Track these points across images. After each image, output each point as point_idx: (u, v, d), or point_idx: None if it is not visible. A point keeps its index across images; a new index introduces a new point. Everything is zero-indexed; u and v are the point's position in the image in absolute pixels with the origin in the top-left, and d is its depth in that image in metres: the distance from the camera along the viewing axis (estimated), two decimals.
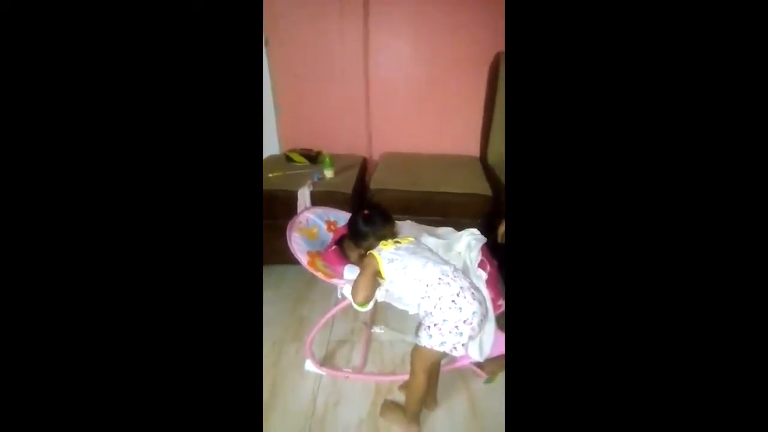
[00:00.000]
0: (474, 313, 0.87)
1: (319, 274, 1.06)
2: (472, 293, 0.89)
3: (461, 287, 0.88)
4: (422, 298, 0.90)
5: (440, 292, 0.88)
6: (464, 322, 0.87)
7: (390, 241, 1.00)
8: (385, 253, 0.96)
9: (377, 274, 0.95)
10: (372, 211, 1.06)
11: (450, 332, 0.87)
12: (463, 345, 0.89)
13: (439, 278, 0.89)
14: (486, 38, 1.91)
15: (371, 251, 0.99)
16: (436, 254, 1.00)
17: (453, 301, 0.87)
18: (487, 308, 0.93)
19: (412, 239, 1.03)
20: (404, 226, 1.19)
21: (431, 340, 0.88)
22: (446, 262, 0.96)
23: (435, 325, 0.88)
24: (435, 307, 0.88)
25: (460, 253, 1.11)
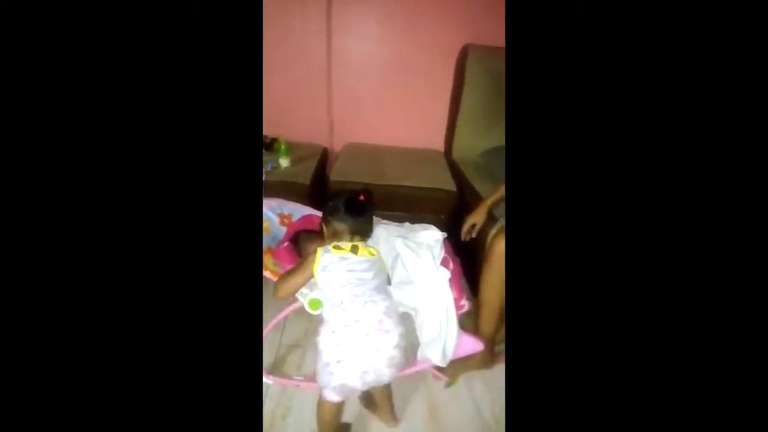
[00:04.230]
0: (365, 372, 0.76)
1: (267, 273, 0.95)
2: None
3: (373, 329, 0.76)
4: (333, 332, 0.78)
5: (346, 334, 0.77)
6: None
7: (347, 244, 0.88)
8: (326, 257, 0.85)
9: (311, 274, 0.86)
10: (367, 198, 0.93)
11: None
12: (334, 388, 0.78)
13: (341, 302, 0.79)
14: (454, 28, 1.85)
15: (319, 248, 0.87)
16: (384, 287, 0.87)
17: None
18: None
19: (372, 253, 0.89)
20: None
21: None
22: (387, 301, 0.82)
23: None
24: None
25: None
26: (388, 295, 0.86)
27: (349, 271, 0.83)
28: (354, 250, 0.87)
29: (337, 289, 0.82)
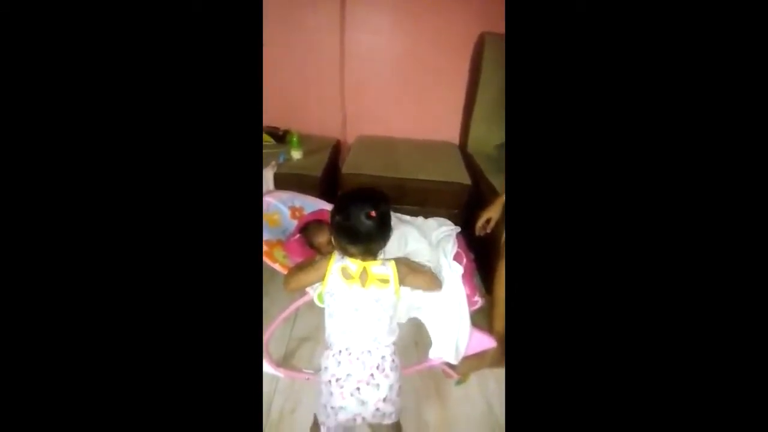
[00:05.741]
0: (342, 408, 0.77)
1: (277, 266, 0.94)
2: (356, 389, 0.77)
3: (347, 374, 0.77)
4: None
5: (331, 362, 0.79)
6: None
7: (357, 265, 0.80)
8: (335, 280, 0.79)
9: (322, 276, 0.81)
10: (379, 215, 0.77)
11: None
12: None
13: (340, 351, 0.79)
14: (470, 17, 1.79)
15: (333, 256, 0.81)
16: (386, 324, 0.81)
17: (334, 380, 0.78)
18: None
19: (385, 280, 0.80)
20: None
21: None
22: (385, 348, 0.80)
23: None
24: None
25: (431, 244, 1.02)
26: (389, 332, 0.82)
27: (355, 310, 0.79)
28: (363, 279, 0.79)
29: (339, 330, 0.80)
